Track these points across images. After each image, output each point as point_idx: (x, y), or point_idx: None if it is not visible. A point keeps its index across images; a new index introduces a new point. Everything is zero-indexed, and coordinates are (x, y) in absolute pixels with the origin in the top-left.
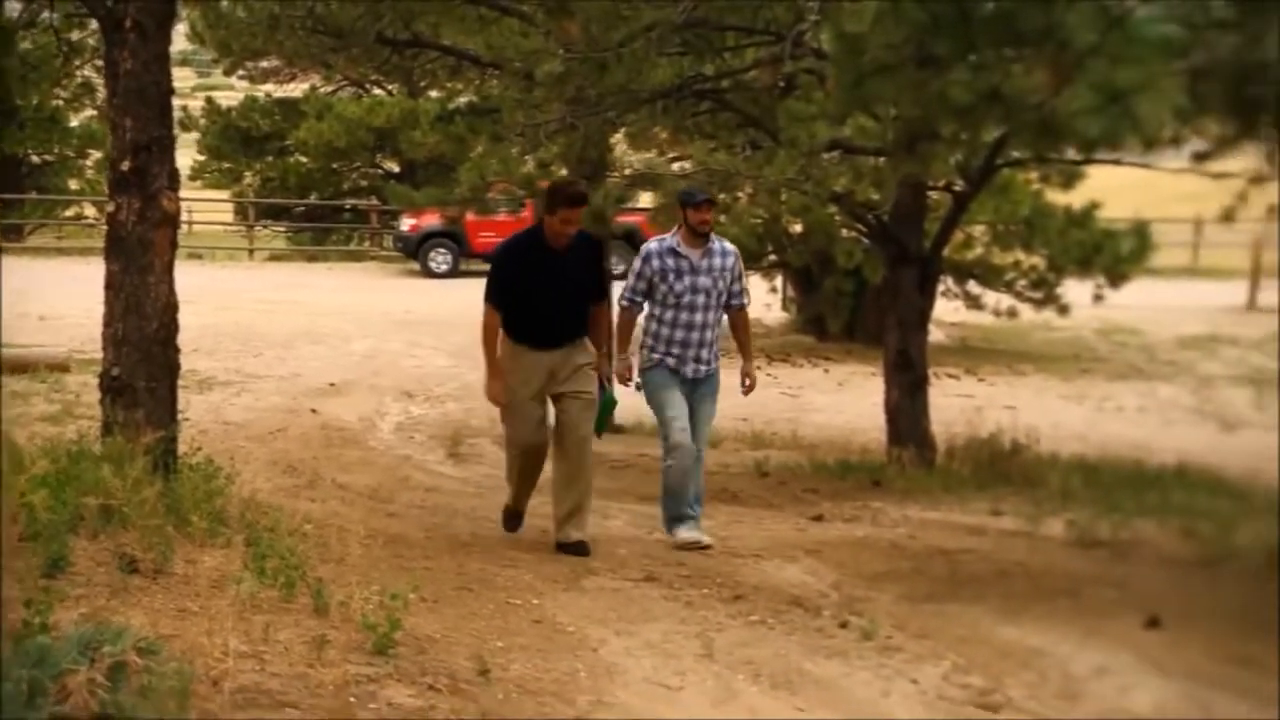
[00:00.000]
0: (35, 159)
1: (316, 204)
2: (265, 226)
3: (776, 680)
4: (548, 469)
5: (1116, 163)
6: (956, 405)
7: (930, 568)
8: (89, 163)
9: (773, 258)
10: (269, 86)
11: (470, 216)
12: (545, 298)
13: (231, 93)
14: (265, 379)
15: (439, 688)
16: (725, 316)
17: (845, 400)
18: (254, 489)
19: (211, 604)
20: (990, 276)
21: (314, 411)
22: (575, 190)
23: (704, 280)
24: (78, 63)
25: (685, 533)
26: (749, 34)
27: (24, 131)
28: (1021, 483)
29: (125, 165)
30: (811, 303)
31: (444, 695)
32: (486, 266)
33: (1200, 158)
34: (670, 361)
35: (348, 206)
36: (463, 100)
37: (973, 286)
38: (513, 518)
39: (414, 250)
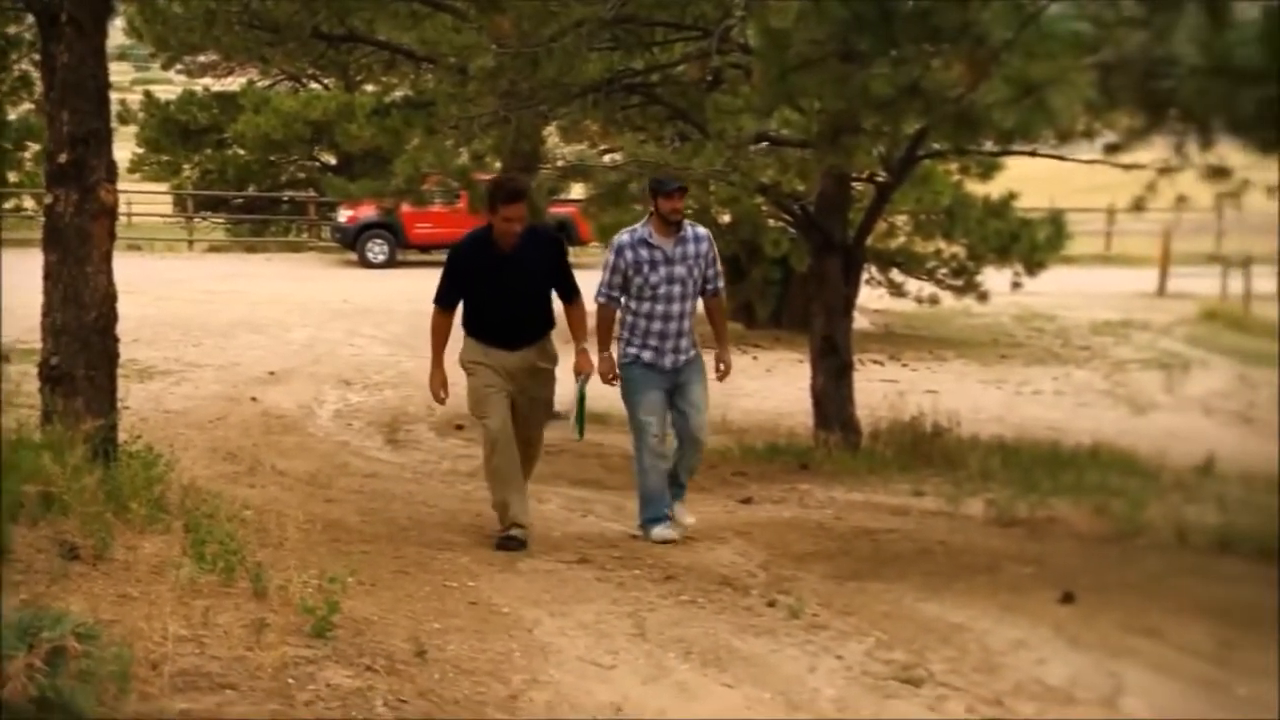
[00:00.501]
0: None
1: (255, 196)
2: (204, 218)
3: (706, 658)
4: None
5: (1032, 154)
6: (880, 390)
7: (855, 547)
8: (27, 155)
9: None
10: (206, 81)
11: (406, 208)
12: (499, 299)
13: (170, 87)
14: (205, 368)
15: (376, 669)
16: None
17: (773, 386)
18: (194, 476)
19: (151, 589)
20: (912, 265)
21: (254, 399)
22: (513, 186)
23: (679, 270)
24: (15, 56)
25: (662, 530)
26: (677, 29)
27: None
28: (943, 464)
29: (63, 158)
30: (740, 291)
31: (381, 676)
32: (423, 257)
33: (1111, 149)
34: (647, 355)
35: (286, 198)
36: (398, 94)
37: (896, 274)
38: (509, 540)
39: (351, 241)
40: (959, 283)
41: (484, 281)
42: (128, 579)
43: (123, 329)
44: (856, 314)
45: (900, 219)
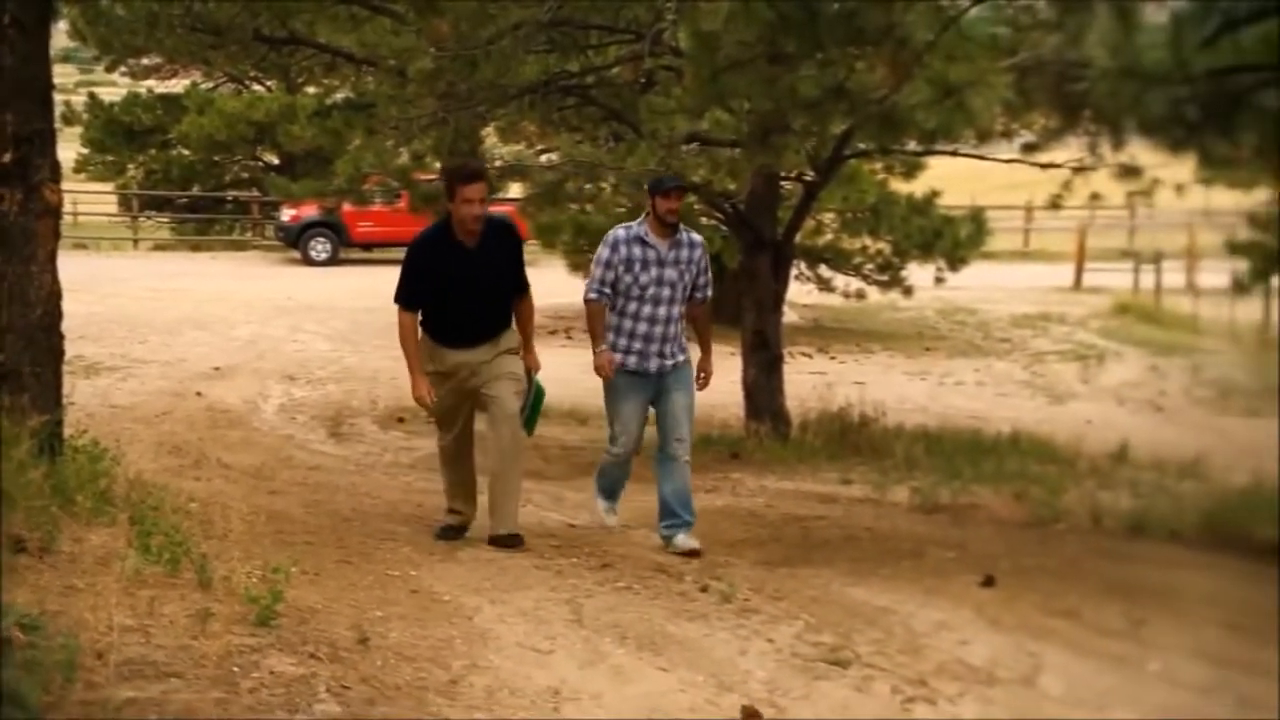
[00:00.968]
0: None
1: (199, 195)
2: (149, 217)
3: (641, 642)
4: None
5: (954, 154)
6: (809, 382)
7: (785, 534)
8: None
9: None
10: (151, 82)
11: (348, 207)
12: (461, 295)
13: (114, 89)
14: (151, 364)
15: (320, 656)
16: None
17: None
18: (140, 470)
19: (98, 581)
20: (840, 261)
21: (199, 395)
22: (470, 166)
23: (670, 273)
24: None
25: (605, 508)
26: (611, 32)
27: None
28: (869, 453)
29: (7, 158)
30: None
31: (324, 663)
32: (365, 255)
33: (1029, 149)
34: (631, 361)
35: (230, 198)
36: (339, 96)
37: (824, 270)
38: (448, 530)
39: (295, 240)
40: (884, 278)
41: (446, 278)
42: (74, 571)
43: (69, 326)
44: (786, 309)
45: (828, 217)
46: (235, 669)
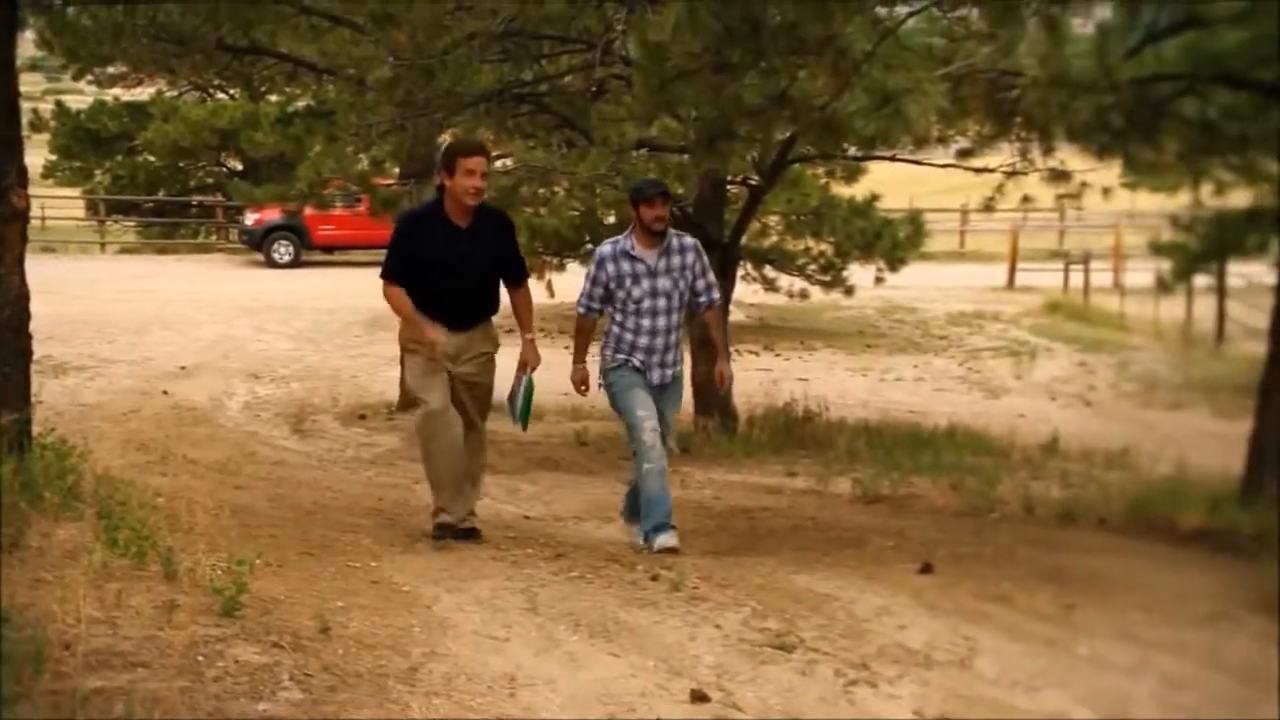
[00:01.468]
0: None
1: (165, 200)
2: (116, 221)
3: (594, 629)
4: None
5: (892, 159)
6: (756, 379)
7: (732, 525)
8: None
9: (589, 246)
10: (116, 91)
11: (309, 211)
12: (448, 276)
13: (81, 97)
14: (118, 363)
15: (283, 645)
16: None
17: None
18: (107, 466)
19: (65, 574)
20: (784, 261)
21: (165, 393)
22: (471, 140)
23: (663, 283)
24: None
25: (665, 539)
26: (563, 43)
27: None
28: (813, 446)
29: None
30: None
31: (287, 652)
32: (326, 257)
33: (963, 154)
34: (635, 363)
35: (195, 202)
36: (300, 104)
37: (769, 271)
38: (445, 527)
39: (258, 242)
40: (827, 278)
41: (435, 255)
42: (42, 565)
43: (38, 327)
44: (733, 308)
45: (772, 219)
46: (201, 658)
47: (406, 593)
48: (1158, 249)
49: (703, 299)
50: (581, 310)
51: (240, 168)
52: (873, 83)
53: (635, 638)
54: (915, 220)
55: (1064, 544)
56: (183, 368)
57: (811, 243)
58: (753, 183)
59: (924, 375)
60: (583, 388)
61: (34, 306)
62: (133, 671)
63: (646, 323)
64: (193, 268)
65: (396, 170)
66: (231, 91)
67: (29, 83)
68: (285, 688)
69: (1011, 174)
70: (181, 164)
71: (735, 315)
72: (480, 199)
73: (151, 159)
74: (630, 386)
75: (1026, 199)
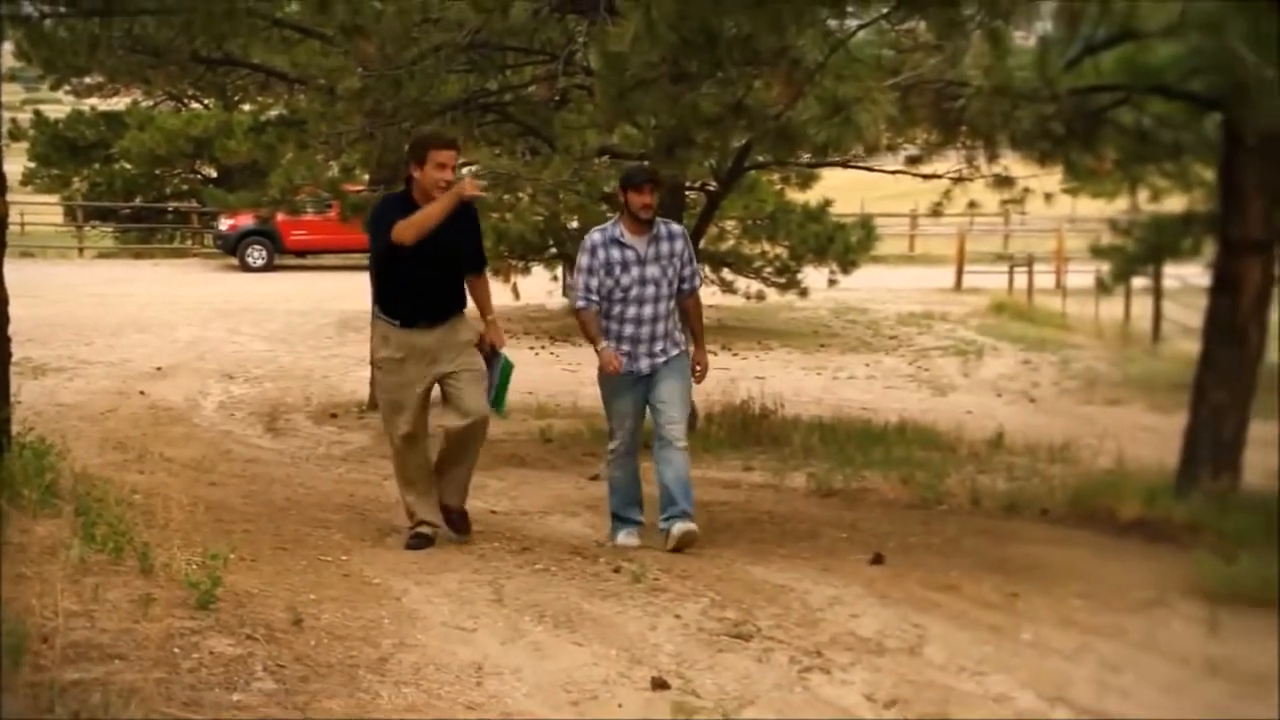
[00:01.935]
0: None
1: (141, 206)
2: (94, 227)
3: (559, 620)
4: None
5: (844, 165)
6: (714, 377)
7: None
8: None
9: (553, 250)
10: (94, 100)
11: (282, 217)
12: (423, 267)
13: (59, 106)
14: (96, 365)
15: (256, 637)
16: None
17: None
18: (85, 464)
19: (44, 569)
20: (741, 264)
21: (142, 393)
22: (446, 134)
23: (652, 270)
24: None
25: (625, 537)
26: (527, 54)
27: None
28: (769, 442)
29: None
30: None
31: (261, 643)
32: (298, 261)
33: (912, 161)
34: (621, 363)
35: (170, 208)
36: (272, 113)
37: (726, 273)
38: (419, 538)
39: (232, 247)
40: (782, 280)
41: (406, 252)
42: (21, 560)
43: (17, 330)
44: None
45: (730, 224)
46: (176, 650)
47: (376, 585)
48: (1097, 252)
49: (685, 285)
50: (581, 304)
51: (214, 175)
52: (825, 92)
53: (598, 627)
54: (866, 225)
55: (1009, 534)
56: (159, 369)
57: (767, 246)
58: (710, 188)
59: (875, 374)
60: (616, 367)
61: (13, 309)
62: (110, 663)
63: (633, 311)
64: (168, 272)
65: (366, 177)
66: (205, 101)
67: (8, 92)
68: (259, 678)
69: (958, 180)
70: (157, 171)
71: None
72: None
73: (128, 166)
74: (618, 393)
75: (973, 204)
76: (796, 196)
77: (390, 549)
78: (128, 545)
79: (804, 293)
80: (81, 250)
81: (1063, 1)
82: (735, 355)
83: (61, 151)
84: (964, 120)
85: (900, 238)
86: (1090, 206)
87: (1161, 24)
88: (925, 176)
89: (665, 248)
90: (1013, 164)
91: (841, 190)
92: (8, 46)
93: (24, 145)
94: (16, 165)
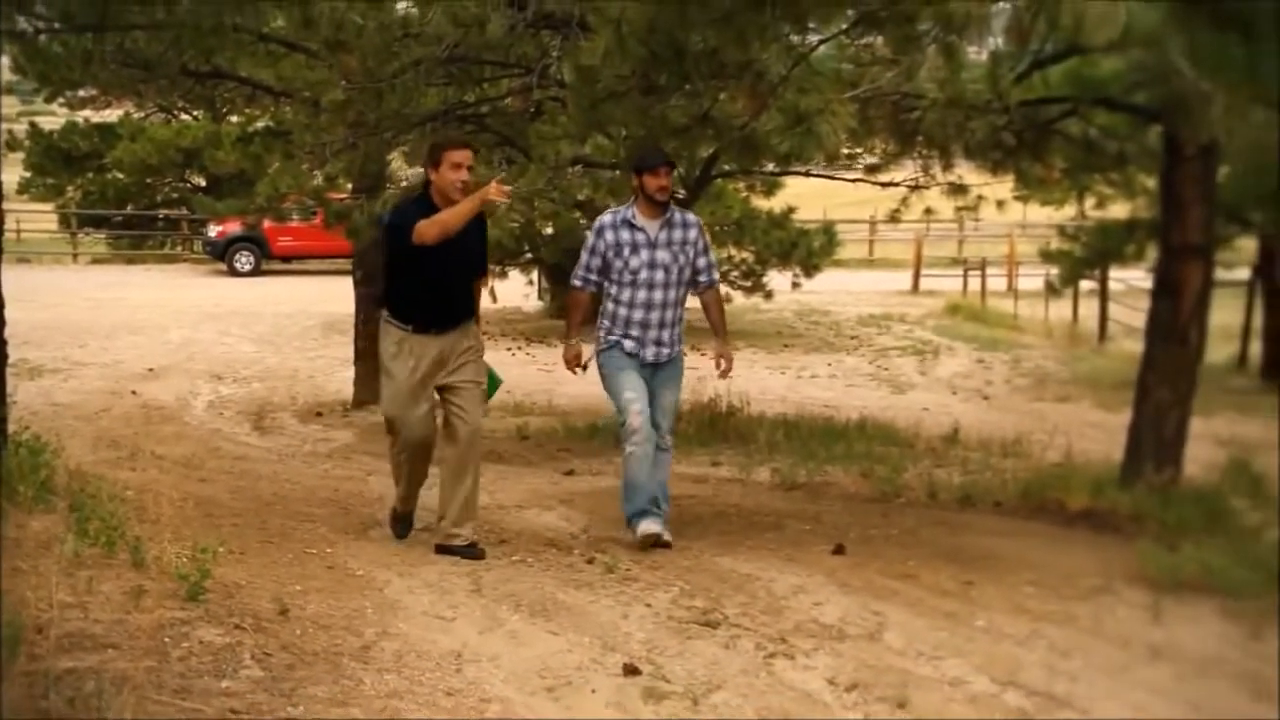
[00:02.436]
0: None
1: (133, 214)
2: (88, 233)
3: (535, 609)
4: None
5: (806, 174)
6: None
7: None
8: None
9: (529, 255)
10: (87, 112)
11: (269, 223)
12: (439, 272)
13: (53, 118)
14: (90, 366)
15: (244, 626)
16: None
17: (593, 374)
18: (79, 462)
19: (39, 563)
20: None
21: (134, 393)
22: (458, 136)
23: (663, 255)
24: None
25: (647, 525)
26: (503, 67)
27: None
28: (736, 439)
29: None
30: (562, 293)
31: (248, 633)
32: (285, 266)
33: (871, 170)
34: (628, 344)
35: (161, 216)
36: (259, 124)
37: None
38: (401, 521)
39: (221, 253)
40: (748, 283)
41: (424, 255)
42: (17, 554)
43: (13, 333)
44: None
45: None
46: (167, 640)
47: (360, 577)
48: (1047, 256)
49: (703, 278)
50: (577, 283)
51: (203, 184)
52: (787, 104)
53: (572, 616)
54: (828, 230)
55: (963, 526)
56: (150, 370)
57: (734, 251)
58: (679, 196)
59: (837, 373)
60: (576, 368)
61: (9, 313)
62: (103, 653)
63: (642, 295)
64: (159, 277)
65: (349, 185)
66: (195, 113)
67: (5, 105)
68: (246, 666)
69: (915, 188)
70: (148, 180)
71: None
72: (465, 193)
73: (120, 176)
74: (620, 369)
75: (929, 210)
76: (761, 203)
77: (374, 541)
78: (120, 539)
79: (769, 295)
80: (76, 256)
81: (1013, 17)
82: (703, 355)
83: (56, 161)
84: (920, 131)
85: (860, 243)
86: (1040, 213)
87: (1106, 39)
88: (884, 184)
89: (678, 234)
90: (966, 172)
91: (804, 198)
92: (5, 61)
93: (20, 155)
94: (13, 174)
